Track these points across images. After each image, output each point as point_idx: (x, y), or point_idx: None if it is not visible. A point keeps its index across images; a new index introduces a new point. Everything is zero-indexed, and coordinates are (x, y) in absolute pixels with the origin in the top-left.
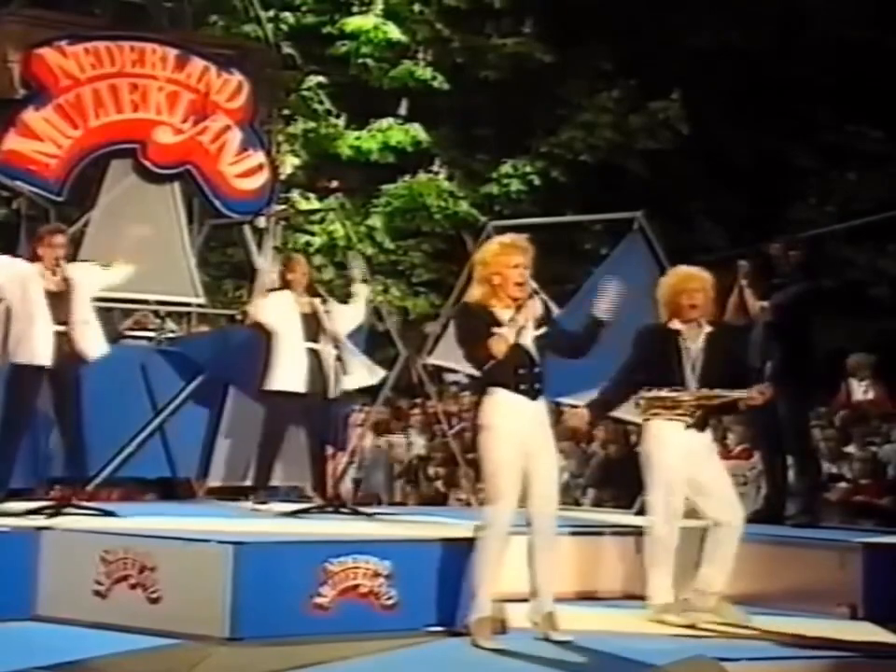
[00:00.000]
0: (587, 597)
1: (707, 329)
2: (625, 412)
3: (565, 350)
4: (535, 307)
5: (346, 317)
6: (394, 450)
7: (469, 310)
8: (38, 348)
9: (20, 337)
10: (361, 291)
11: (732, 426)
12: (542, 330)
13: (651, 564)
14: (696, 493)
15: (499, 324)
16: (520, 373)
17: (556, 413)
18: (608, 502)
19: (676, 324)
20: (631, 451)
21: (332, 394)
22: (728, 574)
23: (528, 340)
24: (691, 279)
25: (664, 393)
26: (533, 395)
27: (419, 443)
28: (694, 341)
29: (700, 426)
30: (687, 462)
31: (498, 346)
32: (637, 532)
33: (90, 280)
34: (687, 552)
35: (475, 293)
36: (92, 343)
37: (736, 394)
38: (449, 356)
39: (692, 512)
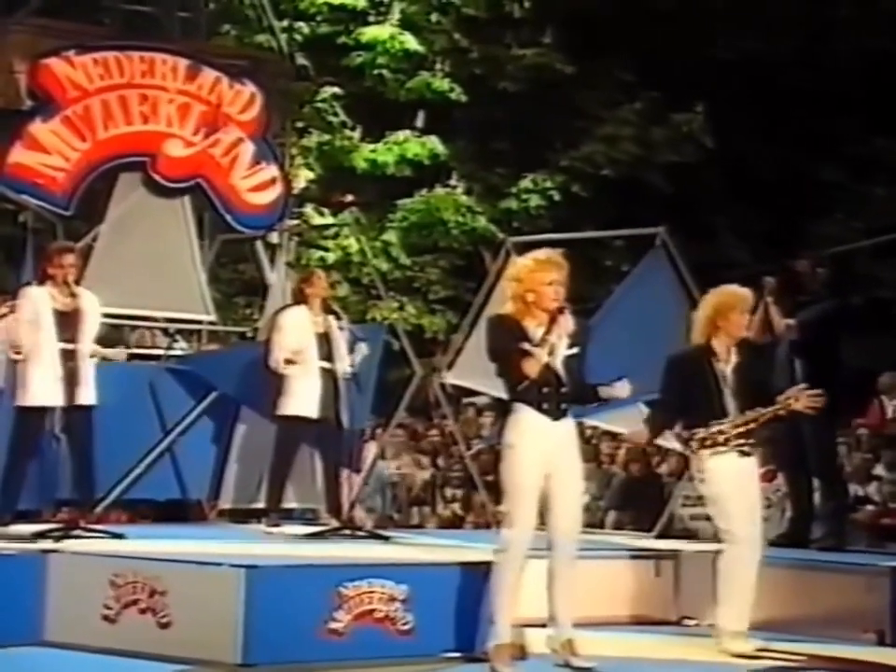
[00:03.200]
0: (607, 623)
1: (734, 347)
2: None
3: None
4: (567, 323)
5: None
6: (409, 472)
7: (502, 324)
8: (43, 391)
9: (25, 379)
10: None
11: (756, 447)
12: (574, 351)
13: (725, 592)
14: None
15: (530, 340)
16: (544, 392)
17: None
18: (629, 525)
19: (715, 343)
20: (652, 472)
21: (345, 416)
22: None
23: (557, 358)
24: (744, 299)
25: (714, 429)
26: (556, 415)
27: (436, 465)
28: (727, 361)
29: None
30: (742, 489)
31: (532, 368)
32: (656, 555)
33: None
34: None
35: (507, 309)
36: (88, 393)
37: (779, 406)
38: (467, 375)
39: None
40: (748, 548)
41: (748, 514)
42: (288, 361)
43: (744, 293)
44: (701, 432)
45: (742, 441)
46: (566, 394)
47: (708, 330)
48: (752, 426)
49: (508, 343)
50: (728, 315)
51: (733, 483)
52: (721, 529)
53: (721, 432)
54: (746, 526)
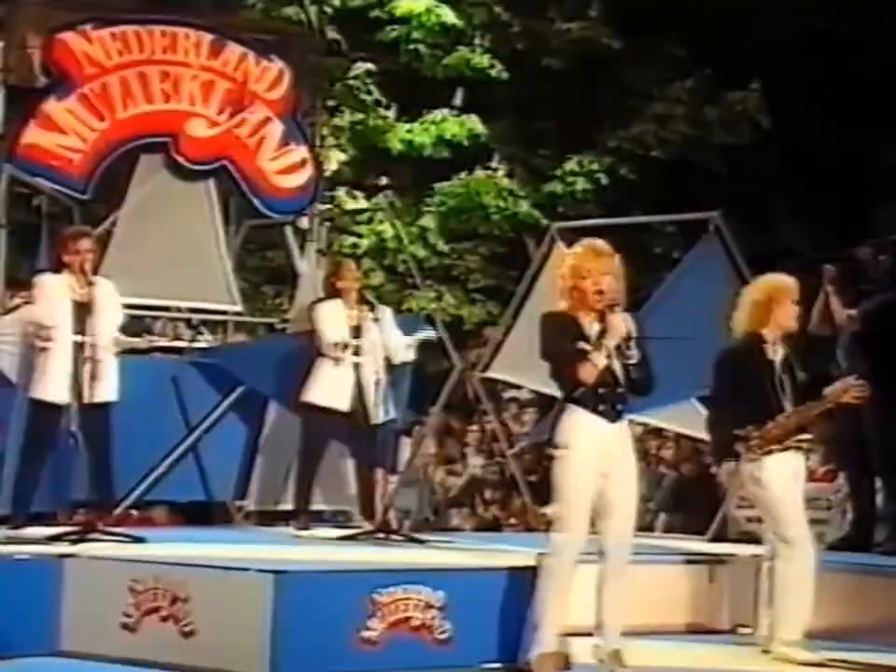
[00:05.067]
0: (656, 632)
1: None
2: (695, 428)
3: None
4: (624, 325)
5: (398, 348)
6: (447, 472)
7: (556, 321)
8: (58, 386)
9: (41, 371)
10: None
11: (815, 445)
12: (634, 359)
13: (783, 599)
14: None
15: (586, 338)
16: (600, 393)
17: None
18: (681, 528)
19: (767, 333)
20: (705, 471)
21: (374, 414)
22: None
23: (614, 358)
24: (793, 288)
25: (770, 427)
26: (613, 416)
27: (475, 464)
28: (777, 352)
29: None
30: (792, 490)
31: (589, 374)
32: (710, 560)
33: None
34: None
35: (560, 306)
36: (107, 389)
37: (829, 399)
38: (509, 369)
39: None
40: (803, 552)
41: (799, 516)
42: (340, 346)
43: (792, 282)
44: (755, 433)
45: (797, 438)
46: (623, 395)
47: (760, 319)
48: (805, 421)
49: (563, 345)
50: (783, 301)
51: (786, 484)
52: (779, 535)
53: (774, 432)
54: (799, 529)
